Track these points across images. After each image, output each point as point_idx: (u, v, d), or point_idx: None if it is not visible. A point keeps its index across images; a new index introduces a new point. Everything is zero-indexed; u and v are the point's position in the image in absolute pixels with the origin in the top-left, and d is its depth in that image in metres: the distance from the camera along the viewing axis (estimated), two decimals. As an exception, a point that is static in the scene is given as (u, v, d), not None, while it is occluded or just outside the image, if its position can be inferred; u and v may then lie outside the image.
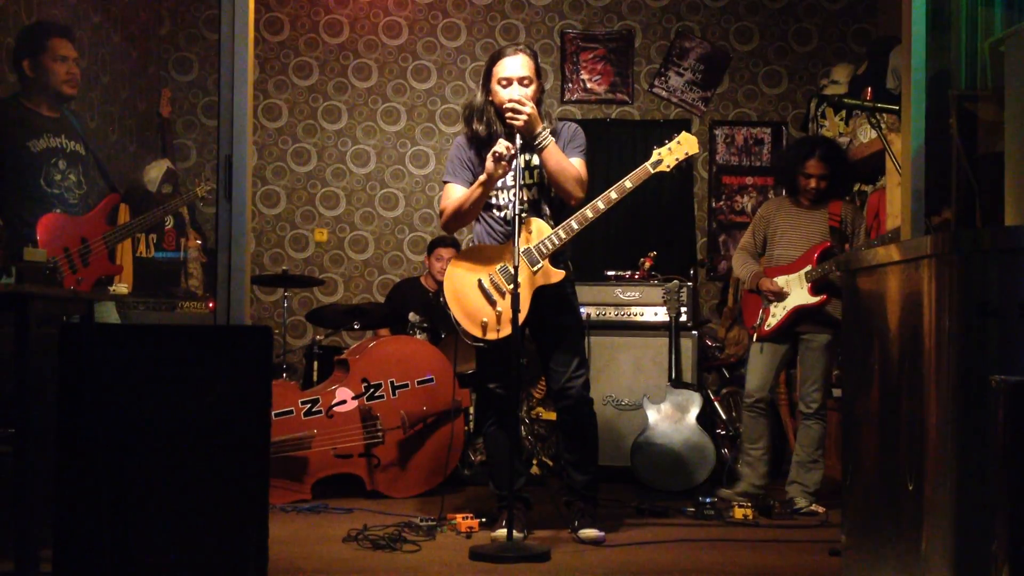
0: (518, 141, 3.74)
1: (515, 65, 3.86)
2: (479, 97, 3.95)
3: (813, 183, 4.59)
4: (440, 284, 5.95)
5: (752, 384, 4.69)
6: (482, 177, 3.82)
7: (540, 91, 3.93)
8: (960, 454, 2.09)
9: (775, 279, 4.61)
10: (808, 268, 4.53)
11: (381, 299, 6.65)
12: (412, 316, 5.67)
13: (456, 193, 3.96)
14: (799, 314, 4.55)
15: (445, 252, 6.03)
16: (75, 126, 4.04)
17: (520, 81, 3.84)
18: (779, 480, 5.24)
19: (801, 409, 4.65)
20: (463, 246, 6.04)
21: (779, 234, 4.68)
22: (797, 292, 4.55)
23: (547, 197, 3.96)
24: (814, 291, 4.52)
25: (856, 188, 5.83)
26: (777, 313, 4.59)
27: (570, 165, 3.88)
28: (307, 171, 7.06)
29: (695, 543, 3.90)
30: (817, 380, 4.58)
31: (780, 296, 4.57)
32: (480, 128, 3.92)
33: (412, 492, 4.87)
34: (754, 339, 4.69)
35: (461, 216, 3.97)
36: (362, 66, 7.05)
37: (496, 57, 3.91)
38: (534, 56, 3.93)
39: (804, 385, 4.65)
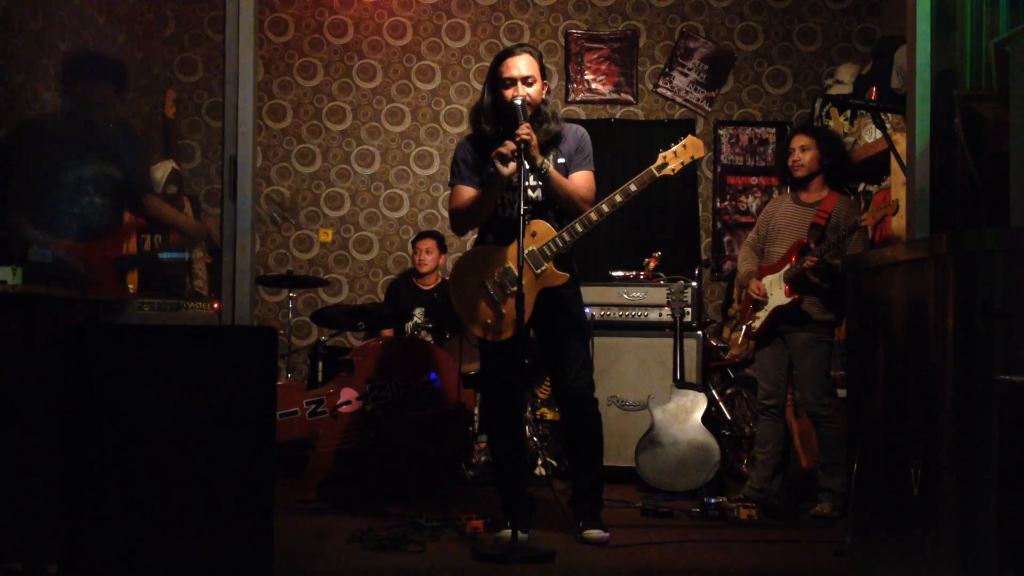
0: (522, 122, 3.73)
1: (518, 64, 3.85)
2: (486, 97, 3.95)
3: (796, 155, 4.54)
4: (426, 275, 6.09)
5: (762, 389, 4.64)
6: (501, 173, 3.79)
7: (545, 91, 3.93)
8: (965, 454, 2.09)
9: (764, 279, 4.56)
10: (787, 267, 4.48)
11: (385, 300, 6.67)
12: (416, 316, 5.68)
13: (465, 195, 3.95)
14: (777, 314, 4.49)
15: (423, 244, 6.18)
16: (116, 143, 3.96)
17: (524, 80, 3.84)
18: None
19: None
20: (467, 247, 6.04)
21: (775, 231, 4.62)
22: (776, 293, 4.50)
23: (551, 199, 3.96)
24: (790, 291, 4.47)
25: (860, 188, 5.81)
26: (760, 315, 4.56)
27: (575, 188, 3.88)
28: (311, 172, 7.06)
29: (700, 544, 3.90)
30: (806, 381, 4.45)
31: (762, 299, 4.54)
32: (488, 128, 3.92)
33: (417, 493, 4.87)
34: (747, 341, 4.66)
35: (472, 218, 3.97)
36: (366, 67, 7.06)
37: (501, 57, 3.91)
38: (538, 56, 3.93)
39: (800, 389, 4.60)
